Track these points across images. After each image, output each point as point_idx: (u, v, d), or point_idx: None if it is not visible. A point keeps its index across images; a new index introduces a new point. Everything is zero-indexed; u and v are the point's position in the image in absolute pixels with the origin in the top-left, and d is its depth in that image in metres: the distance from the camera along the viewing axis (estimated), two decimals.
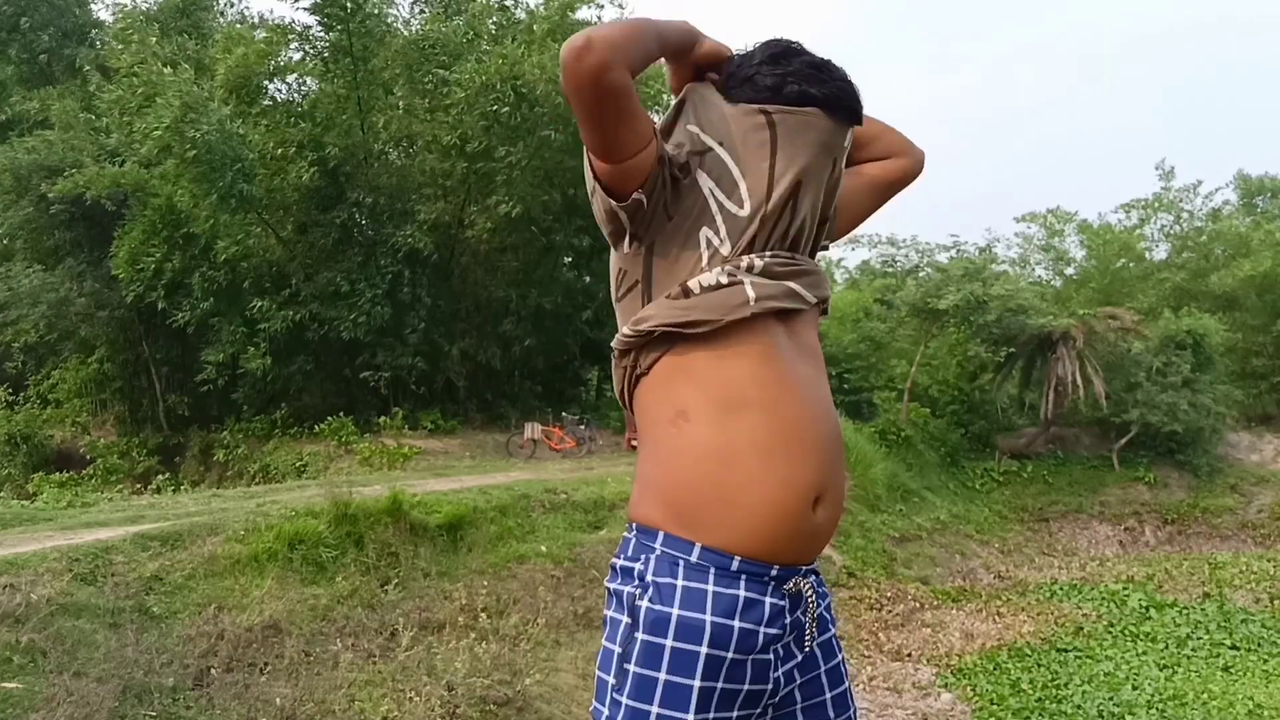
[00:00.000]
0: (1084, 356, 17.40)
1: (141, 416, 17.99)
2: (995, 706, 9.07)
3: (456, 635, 6.85)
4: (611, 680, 1.53)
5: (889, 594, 12.24)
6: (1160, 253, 23.54)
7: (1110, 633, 11.57)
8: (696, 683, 1.48)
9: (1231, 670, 10.39)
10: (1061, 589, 13.50)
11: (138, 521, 7.33)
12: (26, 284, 16.30)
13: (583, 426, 15.72)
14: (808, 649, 1.61)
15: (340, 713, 5.64)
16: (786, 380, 1.55)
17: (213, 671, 5.51)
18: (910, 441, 17.49)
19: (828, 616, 1.67)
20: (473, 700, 6.14)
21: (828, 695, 1.65)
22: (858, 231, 21.04)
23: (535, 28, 15.59)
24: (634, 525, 1.62)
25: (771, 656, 1.54)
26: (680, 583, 1.51)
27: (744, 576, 1.51)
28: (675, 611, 1.49)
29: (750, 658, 1.51)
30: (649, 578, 1.53)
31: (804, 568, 1.58)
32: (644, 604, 1.51)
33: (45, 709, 4.60)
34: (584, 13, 16.27)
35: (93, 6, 20.69)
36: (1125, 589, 13.40)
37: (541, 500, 9.61)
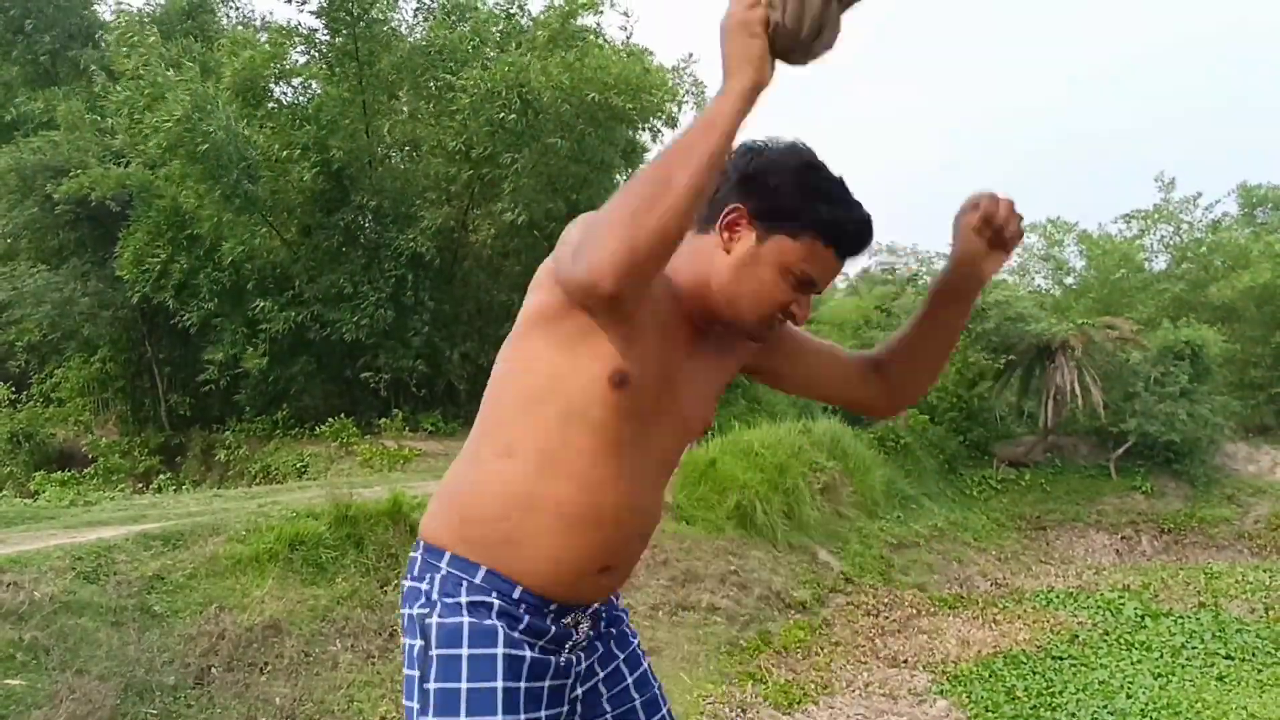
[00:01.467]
0: (1082, 366, 17.46)
1: (143, 416, 18.06)
2: (990, 713, 9.13)
3: None
4: (415, 705, 1.54)
5: (886, 600, 12.30)
6: (1160, 263, 23.64)
7: (1105, 641, 11.62)
8: (500, 684, 1.50)
9: (1226, 680, 10.44)
10: (1058, 597, 13.56)
11: (140, 521, 7.40)
12: (31, 284, 16.39)
13: None
14: (599, 649, 1.69)
15: (339, 712, 5.70)
16: (619, 462, 1.59)
17: (213, 670, 5.57)
18: (909, 448, 17.55)
19: (619, 614, 1.75)
20: None
21: (629, 680, 1.72)
22: None
23: (538, 35, 15.70)
24: (421, 544, 1.65)
25: (566, 657, 1.61)
26: (465, 599, 1.55)
27: (523, 604, 1.56)
28: (465, 620, 1.52)
29: (539, 647, 1.56)
30: (434, 596, 1.56)
31: (583, 607, 1.65)
32: (434, 620, 1.54)
33: (48, 706, 4.66)
34: (586, 19, 16.39)
35: (97, 8, 20.78)
36: (1121, 598, 13.47)
37: None
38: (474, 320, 17.00)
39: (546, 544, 1.56)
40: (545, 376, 1.59)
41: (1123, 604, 13.14)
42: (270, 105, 16.08)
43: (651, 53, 16.62)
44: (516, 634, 1.54)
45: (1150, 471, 18.11)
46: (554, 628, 1.59)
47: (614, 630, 1.74)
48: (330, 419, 15.06)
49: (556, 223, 16.37)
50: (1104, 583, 14.64)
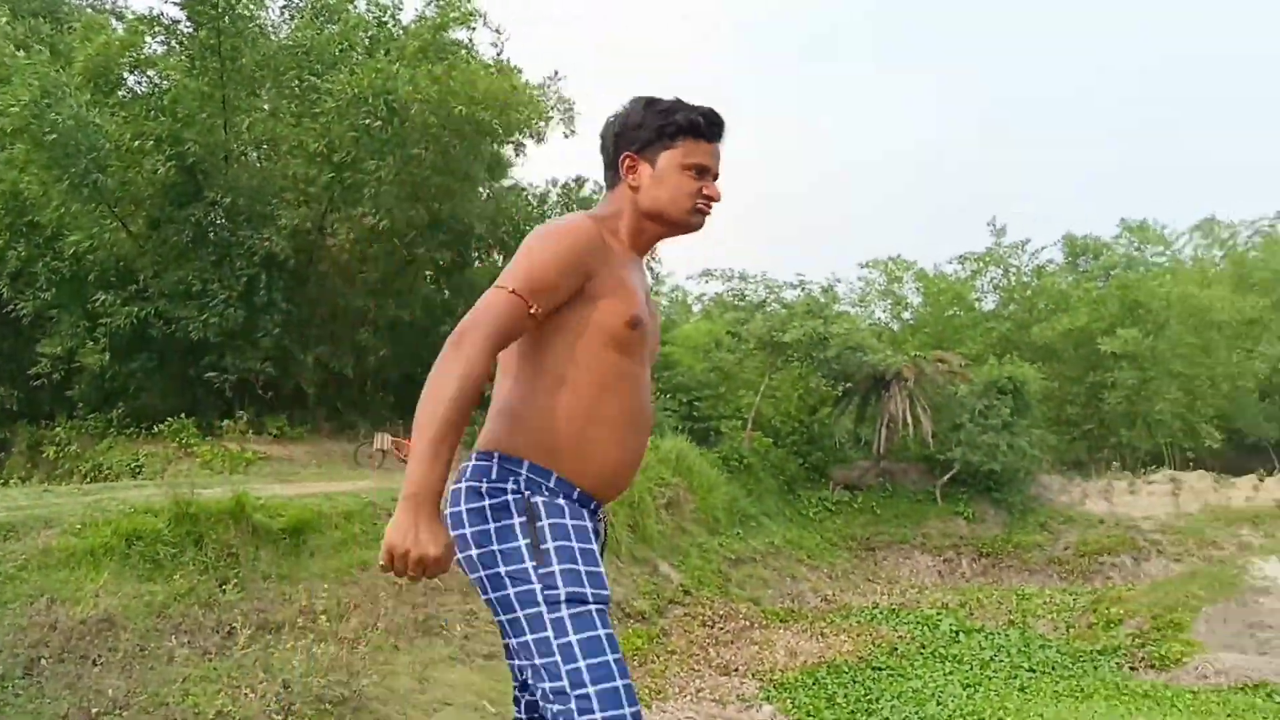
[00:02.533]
0: (914, 396, 18.52)
1: None
2: (811, 718, 9.68)
3: (295, 636, 6.94)
4: (532, 563, 1.87)
5: (722, 612, 12.82)
6: (989, 303, 25.27)
7: (921, 654, 12.42)
8: (595, 544, 1.93)
9: (1027, 690, 11.32)
10: (881, 613, 14.36)
11: None
12: None
13: None
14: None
15: (174, 705, 5.70)
16: (641, 377, 2.05)
17: (43, 661, 5.50)
18: (751, 469, 18.23)
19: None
20: (309, 699, 6.26)
21: None
22: (713, 265, 21.65)
23: (408, 45, 15.74)
24: (496, 454, 1.98)
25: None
26: (546, 498, 1.93)
27: (578, 503, 1.96)
28: (562, 503, 1.93)
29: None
30: (522, 488, 1.94)
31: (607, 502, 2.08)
32: (539, 499, 1.92)
33: None
34: (457, 33, 16.52)
35: None
36: (939, 614, 14.36)
37: (388, 508, 9.73)
38: (328, 324, 16.81)
39: (606, 449, 1.99)
40: (576, 330, 1.98)
41: (940, 620, 14.00)
42: (123, 94, 15.57)
43: (520, 70, 16.84)
44: (580, 521, 1.95)
45: (972, 498, 19.31)
46: (590, 521, 1.99)
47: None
48: (170, 418, 14.61)
49: (418, 231, 16.40)
50: (925, 600, 15.56)
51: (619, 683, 1.81)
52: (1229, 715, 10.97)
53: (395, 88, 14.01)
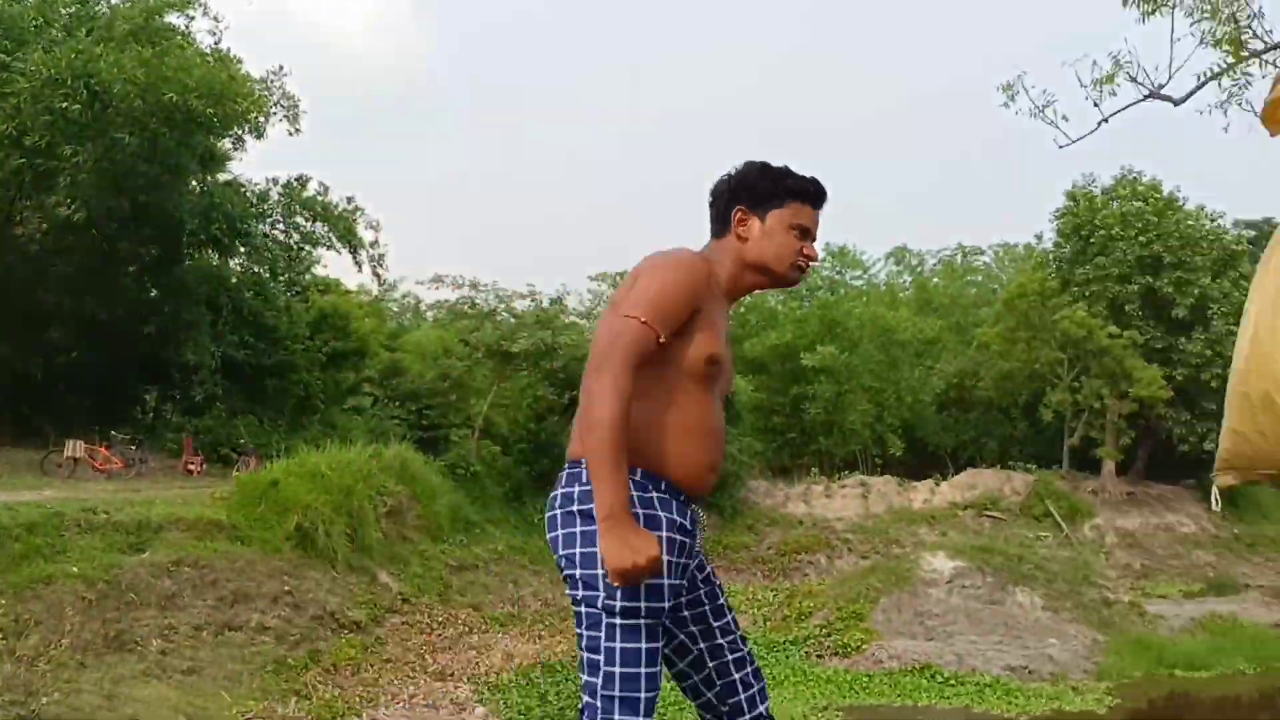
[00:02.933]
0: None
1: None
2: (523, 717, 9.96)
3: None
4: (600, 570, 2.04)
5: (441, 619, 12.85)
6: None
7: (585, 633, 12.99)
8: (664, 555, 2.05)
9: None
10: None
11: None
12: None
13: (134, 447, 14.85)
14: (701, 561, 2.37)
15: None
16: (715, 404, 2.28)
17: None
18: (478, 476, 18.34)
19: (704, 559, 2.42)
20: None
21: (715, 588, 2.41)
22: (443, 271, 21.58)
23: (116, 26, 14.72)
24: (581, 461, 2.15)
25: (693, 545, 2.24)
26: (655, 495, 2.15)
27: (669, 494, 2.17)
28: (639, 511, 2.08)
29: (687, 538, 2.18)
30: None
31: (700, 500, 2.30)
32: (638, 510, 2.09)
33: None
34: (173, 18, 15.66)
35: None
36: None
37: (77, 520, 9.13)
38: (13, 322, 15.39)
39: (690, 454, 2.18)
40: (666, 358, 2.16)
41: None
42: None
43: (240, 61, 16.10)
44: (668, 513, 2.15)
45: None
46: (687, 511, 2.21)
47: (702, 561, 2.40)
48: None
49: (120, 223, 15.36)
50: None
51: (642, 695, 2.04)
52: (898, 695, 12.28)
53: (98, 70, 13.11)
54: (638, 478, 2.13)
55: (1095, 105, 4.28)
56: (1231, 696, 13.23)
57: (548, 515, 2.19)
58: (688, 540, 2.20)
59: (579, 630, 2.12)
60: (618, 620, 2.04)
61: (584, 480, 2.12)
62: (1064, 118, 4.73)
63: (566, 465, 2.23)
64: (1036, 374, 23.05)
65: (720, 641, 2.36)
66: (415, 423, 20.67)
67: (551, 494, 2.22)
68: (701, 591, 2.35)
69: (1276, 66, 4.78)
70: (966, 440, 26.11)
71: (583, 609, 2.10)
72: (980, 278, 32.58)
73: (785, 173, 2.38)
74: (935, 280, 31.14)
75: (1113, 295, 22.69)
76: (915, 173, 73.39)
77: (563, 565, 2.15)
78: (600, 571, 2.04)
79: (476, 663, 11.65)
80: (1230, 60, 4.76)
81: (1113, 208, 23.38)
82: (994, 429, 26.07)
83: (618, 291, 2.28)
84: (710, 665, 2.35)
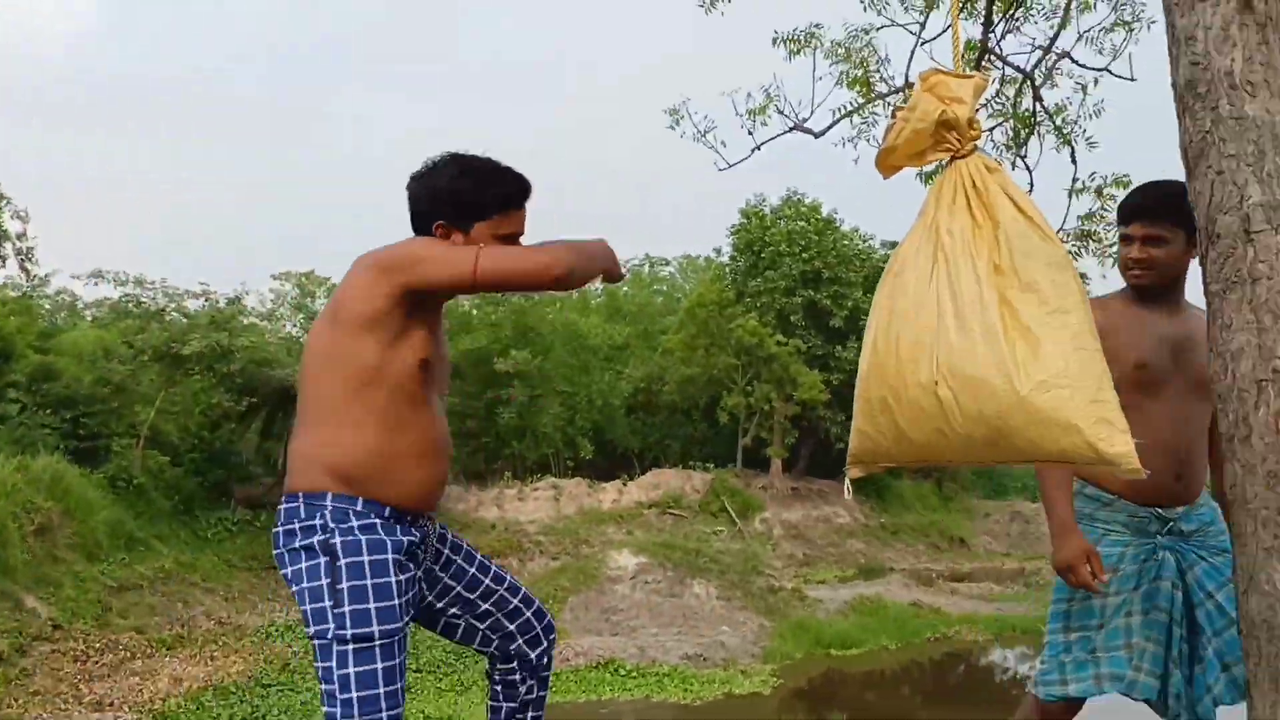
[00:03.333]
0: None
1: None
2: None
3: None
4: (329, 603, 2.07)
5: (98, 645, 11.83)
6: None
7: (314, 667, 12.57)
8: (394, 577, 2.10)
9: (412, 690, 11.99)
10: (277, 630, 14.23)
11: None
12: None
13: None
14: (437, 535, 2.37)
15: None
16: (432, 412, 2.25)
17: None
18: (142, 489, 16.98)
19: (447, 535, 2.44)
20: None
21: (462, 564, 2.42)
22: (104, 267, 19.82)
23: None
24: (299, 495, 2.16)
25: (419, 550, 2.24)
26: (355, 522, 2.11)
27: (393, 518, 2.17)
28: (362, 537, 2.10)
29: (406, 549, 2.17)
30: (330, 524, 2.11)
31: (427, 513, 2.31)
32: (337, 540, 2.09)
33: None
34: None
35: None
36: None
37: None
38: None
39: (411, 476, 2.18)
40: (373, 367, 2.12)
41: None
42: None
43: None
44: (394, 537, 2.14)
45: None
46: (414, 529, 2.21)
47: (445, 536, 2.42)
48: None
49: None
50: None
51: (384, 714, 2.05)
52: (583, 691, 12.67)
53: None
54: (358, 507, 2.14)
55: (749, 133, 4.71)
56: (878, 670, 14.75)
57: (275, 554, 2.21)
58: (415, 555, 2.24)
59: (315, 664, 2.17)
60: (349, 648, 2.06)
61: (303, 515, 2.14)
62: (723, 143, 5.13)
63: (284, 500, 2.19)
64: (715, 379, 24.50)
65: (484, 607, 2.44)
66: (70, 432, 18.78)
67: (274, 531, 2.20)
68: (442, 573, 2.39)
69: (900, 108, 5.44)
70: (652, 441, 27.30)
71: (315, 643, 2.13)
72: (666, 287, 34.22)
73: (488, 178, 2.23)
74: (625, 289, 32.39)
75: (780, 306, 24.61)
76: (614, 186, 75.94)
77: (297, 601, 2.17)
78: (328, 603, 2.07)
79: (140, 689, 10.85)
80: (861, 100, 5.37)
81: (780, 226, 25.38)
82: (677, 430, 27.42)
83: (342, 292, 2.20)
84: (482, 628, 2.45)
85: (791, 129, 5.02)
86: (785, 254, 24.72)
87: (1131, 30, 4.86)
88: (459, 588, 2.41)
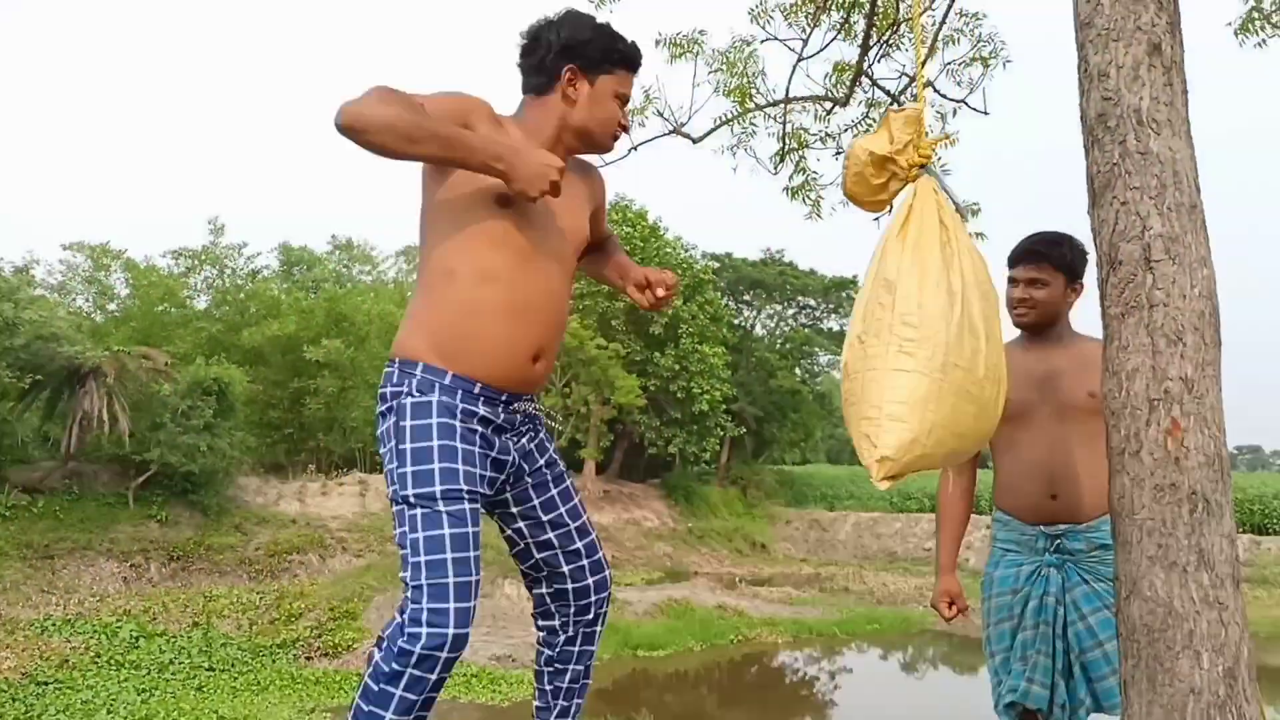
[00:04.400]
0: (113, 393, 17.40)
1: None
2: None
3: None
4: (395, 464, 2.03)
5: None
6: (202, 302, 24.83)
7: (96, 663, 11.73)
8: (461, 444, 2.03)
9: (205, 689, 11.39)
10: (54, 624, 13.20)
11: None
12: None
13: None
14: (536, 441, 2.25)
15: None
16: (529, 267, 2.12)
17: None
18: None
19: (547, 445, 2.31)
20: None
21: (549, 479, 2.29)
22: None
23: None
24: (396, 360, 2.11)
25: (508, 438, 2.15)
26: (436, 394, 2.05)
27: (482, 398, 2.08)
28: (434, 398, 2.03)
29: (490, 429, 2.09)
30: (412, 389, 2.05)
31: (525, 395, 2.19)
32: (408, 401, 2.04)
33: None
34: None
35: None
36: (119, 622, 13.68)
37: None
38: None
39: (492, 337, 2.07)
40: (463, 214, 2.09)
41: (120, 627, 13.37)
42: None
43: None
44: (472, 407, 2.07)
45: (167, 500, 18.68)
46: (503, 413, 2.12)
47: (545, 445, 2.30)
48: None
49: None
50: (106, 608, 14.67)
51: (450, 580, 1.97)
52: None
53: None
54: (446, 381, 2.08)
55: (626, 133, 4.72)
56: (683, 671, 15.07)
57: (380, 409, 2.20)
58: (499, 432, 2.14)
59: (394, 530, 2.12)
60: (417, 510, 2.01)
61: (395, 381, 2.11)
62: None
63: (397, 363, 2.15)
64: None
65: (547, 535, 2.32)
66: None
67: (383, 391, 2.18)
68: (529, 478, 2.27)
69: (776, 121, 5.57)
70: None
71: (393, 507, 2.08)
72: None
73: (617, 36, 2.29)
74: None
75: (602, 310, 24.79)
76: None
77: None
78: (394, 465, 2.05)
79: None
80: (739, 109, 5.45)
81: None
82: None
83: None
84: (537, 556, 2.34)
85: (671, 132, 5.04)
86: None
87: (988, 66, 5.15)
88: (535, 502, 2.31)
